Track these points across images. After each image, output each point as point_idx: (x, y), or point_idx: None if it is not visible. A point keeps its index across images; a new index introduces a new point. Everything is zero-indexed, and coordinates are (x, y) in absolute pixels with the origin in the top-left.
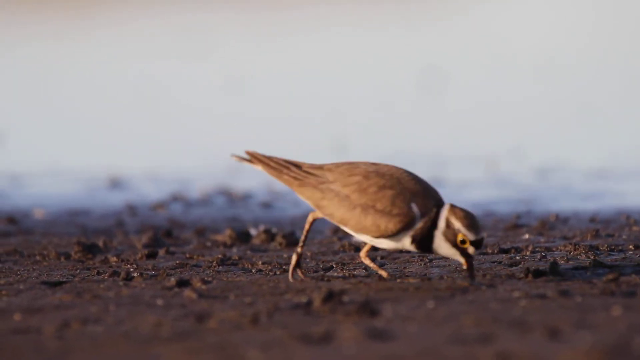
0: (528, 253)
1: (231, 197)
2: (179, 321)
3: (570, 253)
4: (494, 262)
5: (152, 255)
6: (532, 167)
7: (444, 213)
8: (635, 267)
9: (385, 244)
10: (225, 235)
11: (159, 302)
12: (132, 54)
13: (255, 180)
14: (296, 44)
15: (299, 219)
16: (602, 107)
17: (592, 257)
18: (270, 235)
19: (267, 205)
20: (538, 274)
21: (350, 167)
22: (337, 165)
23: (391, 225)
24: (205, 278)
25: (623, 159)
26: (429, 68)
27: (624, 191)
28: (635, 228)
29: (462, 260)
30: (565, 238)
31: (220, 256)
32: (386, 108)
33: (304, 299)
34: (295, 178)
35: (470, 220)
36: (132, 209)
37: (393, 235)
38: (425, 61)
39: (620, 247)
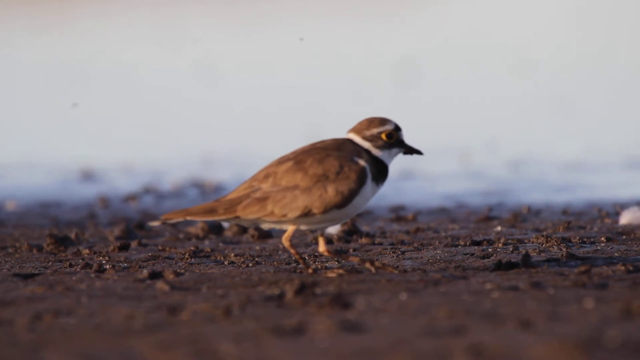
0: (500, 245)
1: (204, 189)
2: (151, 313)
3: (542, 245)
4: (466, 254)
5: (124, 248)
6: (504, 160)
7: (357, 139)
8: (607, 259)
9: (357, 205)
10: (197, 228)
11: (132, 294)
12: (104, 47)
13: (228, 172)
14: (271, 36)
15: None
16: (576, 101)
17: (564, 249)
18: (242, 228)
19: None
20: (510, 266)
21: (273, 164)
22: (257, 173)
23: (352, 183)
24: (178, 270)
25: (595, 152)
26: (403, 60)
27: (595, 184)
28: (607, 220)
29: (404, 150)
30: (537, 230)
31: (192, 248)
32: (361, 99)
33: (276, 291)
34: (231, 205)
35: (373, 120)
36: (104, 201)
37: (358, 189)
38: (400, 53)
39: (592, 239)
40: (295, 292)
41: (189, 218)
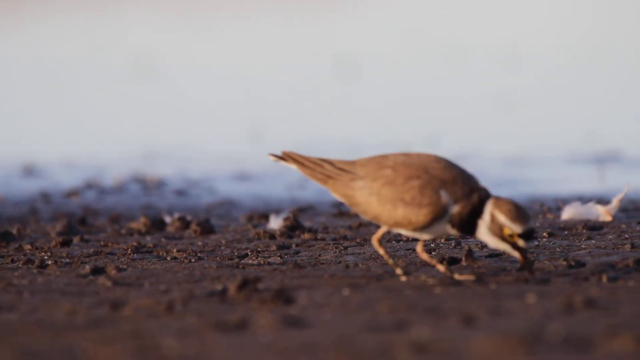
0: (443, 240)
1: (146, 185)
2: (93, 309)
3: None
4: (408, 250)
5: (66, 243)
6: (446, 155)
7: (488, 207)
8: (549, 255)
9: (425, 235)
10: (139, 223)
11: (74, 289)
12: (44, 40)
13: (170, 168)
14: (210, 30)
15: (213, 207)
16: (518, 96)
17: None
18: (184, 223)
19: (181, 193)
20: (453, 261)
21: (380, 160)
22: (369, 159)
23: (421, 217)
24: (120, 266)
25: (537, 147)
26: (342, 55)
27: (537, 179)
28: (549, 215)
29: (515, 254)
30: None
31: (134, 244)
32: (301, 95)
33: (219, 287)
34: (328, 177)
35: (515, 212)
36: (46, 197)
37: (426, 226)
38: (338, 48)
39: (534, 235)
40: (237, 288)
41: (294, 165)
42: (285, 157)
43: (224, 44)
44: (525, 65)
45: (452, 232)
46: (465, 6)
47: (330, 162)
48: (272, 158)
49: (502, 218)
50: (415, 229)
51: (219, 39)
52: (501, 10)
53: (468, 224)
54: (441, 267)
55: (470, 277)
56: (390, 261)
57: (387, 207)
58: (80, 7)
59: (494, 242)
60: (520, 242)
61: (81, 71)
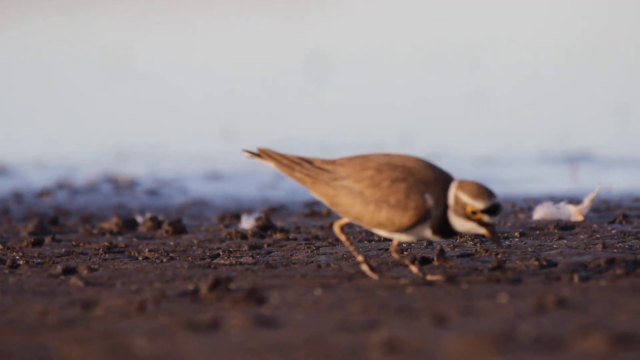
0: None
1: (117, 184)
2: (65, 309)
3: (456, 240)
4: (380, 250)
5: (38, 243)
6: (418, 154)
7: (452, 190)
8: (520, 255)
9: (404, 237)
10: (111, 223)
11: (45, 289)
12: (16, 40)
13: (142, 168)
14: (183, 30)
15: (185, 207)
16: (490, 96)
17: (478, 244)
18: (156, 223)
19: (153, 193)
20: (425, 261)
21: (363, 161)
22: (350, 159)
23: (405, 219)
24: (92, 266)
25: (509, 146)
26: (314, 54)
27: (509, 178)
28: (520, 215)
29: (482, 231)
30: None
31: (106, 244)
32: (274, 94)
33: (190, 287)
34: (307, 175)
35: (477, 190)
36: (17, 196)
37: (409, 229)
38: (310, 47)
39: (505, 234)
40: (209, 288)
41: (271, 164)
42: (261, 153)
43: (196, 44)
44: (497, 65)
45: (430, 236)
46: (437, 7)
47: (309, 161)
48: (247, 154)
49: (464, 197)
50: (397, 231)
51: (192, 38)
52: (474, 10)
53: (445, 224)
54: (414, 268)
55: (440, 278)
56: (352, 247)
57: (370, 209)
58: (53, 6)
59: (461, 224)
60: (486, 218)
61: (53, 71)
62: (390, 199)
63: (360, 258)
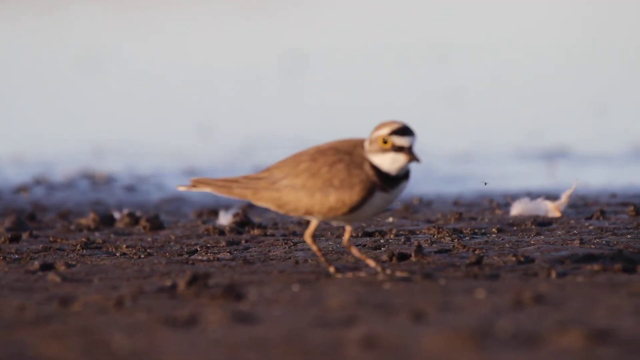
0: (392, 236)
1: (95, 181)
2: (42, 305)
3: (434, 236)
4: (358, 246)
5: (15, 239)
6: None
7: (366, 142)
8: (498, 250)
9: (361, 214)
10: (89, 219)
11: (23, 285)
12: None
13: (119, 164)
14: (159, 27)
15: (162, 203)
16: (467, 93)
17: (456, 241)
18: (134, 219)
19: (130, 189)
20: (402, 257)
21: (295, 157)
22: (282, 161)
23: (355, 195)
24: (69, 262)
25: (486, 143)
26: (290, 52)
27: (486, 175)
28: (498, 211)
29: (402, 158)
30: (429, 221)
31: (84, 240)
32: (249, 91)
33: (168, 283)
34: (246, 188)
35: (378, 123)
36: None
37: (361, 204)
38: (286, 45)
39: (483, 230)
40: (187, 283)
41: (208, 189)
42: (194, 184)
43: (173, 41)
44: (474, 62)
45: (387, 199)
46: (413, 5)
47: (243, 177)
48: (182, 188)
49: (372, 135)
50: (351, 211)
51: (168, 35)
52: (450, 8)
53: (383, 175)
54: (371, 262)
55: (404, 274)
56: (323, 259)
57: (318, 197)
58: (29, 3)
59: (385, 161)
60: (398, 141)
61: (30, 68)
62: (334, 182)
63: (331, 269)
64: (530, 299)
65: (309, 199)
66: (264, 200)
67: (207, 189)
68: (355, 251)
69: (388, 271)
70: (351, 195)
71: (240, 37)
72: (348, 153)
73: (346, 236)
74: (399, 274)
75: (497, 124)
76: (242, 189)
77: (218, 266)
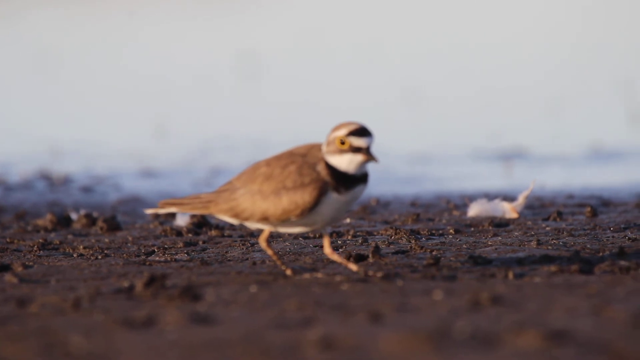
0: (350, 237)
1: (52, 181)
2: None
3: (391, 237)
4: (315, 247)
5: None
6: None
7: (324, 144)
8: (455, 251)
9: (319, 219)
10: (46, 220)
11: None
12: None
13: (76, 165)
14: (115, 26)
15: (119, 203)
16: (424, 94)
17: (413, 241)
18: (91, 220)
19: (88, 190)
20: (360, 258)
21: (254, 166)
22: (243, 171)
23: (307, 195)
24: (26, 262)
25: (443, 144)
26: (245, 52)
27: (443, 176)
28: (455, 212)
29: (359, 158)
30: (386, 222)
31: (41, 241)
32: (206, 91)
33: (126, 284)
34: (208, 202)
35: (336, 125)
36: None
37: (315, 204)
38: (241, 45)
39: (440, 231)
40: (144, 285)
41: (173, 209)
42: (161, 206)
43: (128, 41)
44: (431, 63)
45: (344, 201)
46: (370, 5)
47: (206, 193)
48: (150, 211)
49: (329, 136)
50: (305, 212)
51: (124, 36)
52: (408, 7)
53: (340, 175)
54: (353, 265)
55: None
56: (279, 262)
57: (271, 200)
58: None
59: (342, 161)
60: (355, 142)
61: None
62: (287, 183)
63: (288, 272)
64: (487, 300)
65: (263, 202)
66: (223, 211)
67: (173, 209)
68: (336, 257)
69: (370, 272)
70: (303, 196)
71: (196, 36)
72: (302, 155)
73: (326, 244)
74: (379, 274)
75: (455, 125)
76: (203, 203)
77: (175, 267)
